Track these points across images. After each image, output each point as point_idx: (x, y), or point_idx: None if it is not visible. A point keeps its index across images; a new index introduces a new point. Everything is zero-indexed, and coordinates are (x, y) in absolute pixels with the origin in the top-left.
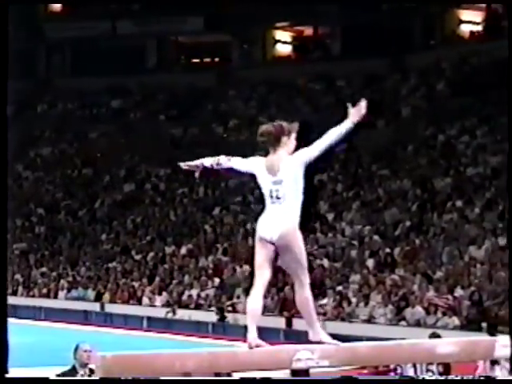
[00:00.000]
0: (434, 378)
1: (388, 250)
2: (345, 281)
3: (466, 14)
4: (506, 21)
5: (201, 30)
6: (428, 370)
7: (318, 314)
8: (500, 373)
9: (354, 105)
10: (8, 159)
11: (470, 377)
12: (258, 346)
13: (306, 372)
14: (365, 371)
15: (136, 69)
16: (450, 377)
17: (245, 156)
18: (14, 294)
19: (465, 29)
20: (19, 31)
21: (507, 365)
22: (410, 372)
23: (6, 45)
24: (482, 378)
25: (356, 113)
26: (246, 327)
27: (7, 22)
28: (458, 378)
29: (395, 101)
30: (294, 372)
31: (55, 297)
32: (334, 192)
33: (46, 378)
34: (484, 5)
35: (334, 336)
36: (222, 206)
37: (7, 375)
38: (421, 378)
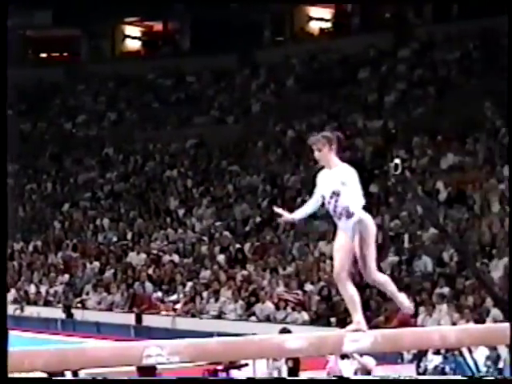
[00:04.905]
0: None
1: (238, 246)
2: (195, 277)
3: (314, 11)
4: (355, 18)
5: (49, 25)
6: (275, 368)
7: (168, 310)
8: (350, 367)
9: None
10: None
11: (321, 373)
12: None
13: (153, 368)
14: (219, 367)
15: None
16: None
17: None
18: None
19: (314, 26)
20: None
21: (359, 358)
22: (258, 366)
23: (5, 44)
24: (481, 378)
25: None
26: (95, 323)
27: (6, 21)
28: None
29: (245, 97)
30: (141, 368)
31: None
32: (185, 188)
33: (46, 378)
34: None
35: (186, 332)
36: (71, 202)
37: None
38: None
